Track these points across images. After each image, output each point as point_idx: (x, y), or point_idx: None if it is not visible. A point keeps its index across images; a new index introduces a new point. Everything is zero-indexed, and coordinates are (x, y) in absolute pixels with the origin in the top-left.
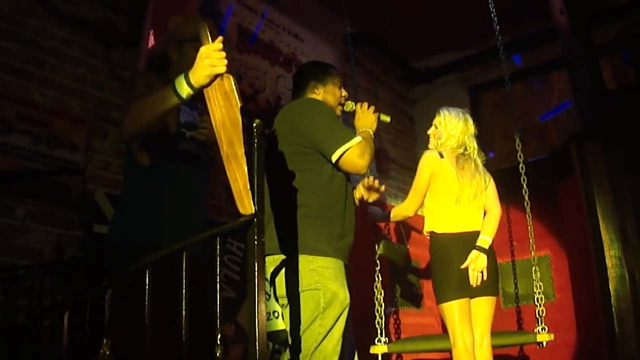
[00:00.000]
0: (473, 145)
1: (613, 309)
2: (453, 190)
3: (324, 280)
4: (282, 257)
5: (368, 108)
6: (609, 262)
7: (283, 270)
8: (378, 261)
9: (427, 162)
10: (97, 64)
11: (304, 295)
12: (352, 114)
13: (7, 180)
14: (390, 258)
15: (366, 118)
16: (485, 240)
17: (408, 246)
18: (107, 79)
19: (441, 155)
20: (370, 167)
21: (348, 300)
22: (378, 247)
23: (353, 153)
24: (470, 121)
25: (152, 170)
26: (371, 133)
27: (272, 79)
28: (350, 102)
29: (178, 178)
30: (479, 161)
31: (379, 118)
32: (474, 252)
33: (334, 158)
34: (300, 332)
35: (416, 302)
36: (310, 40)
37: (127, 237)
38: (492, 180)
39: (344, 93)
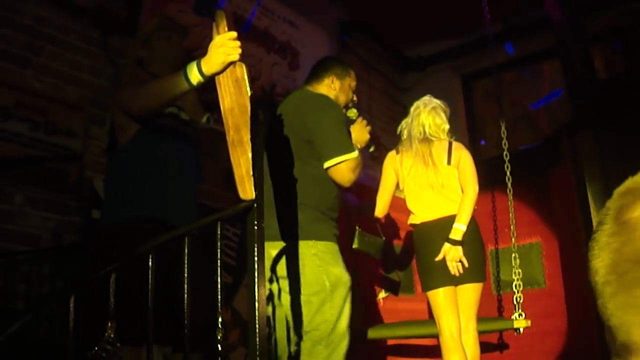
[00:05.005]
0: (428, 123)
1: None
2: (420, 179)
3: (325, 264)
4: (283, 244)
5: (365, 126)
6: None
7: (285, 255)
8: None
9: (386, 162)
10: (94, 51)
11: (307, 280)
12: (350, 121)
13: (5, 166)
14: (365, 251)
15: (361, 134)
16: (457, 229)
17: (383, 238)
18: (104, 66)
19: (397, 151)
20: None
21: (350, 281)
22: (353, 240)
23: (348, 165)
24: (423, 104)
25: (132, 148)
26: (359, 148)
27: (267, 66)
28: (354, 109)
29: (160, 154)
30: (437, 146)
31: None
32: (446, 245)
33: (328, 164)
34: (312, 316)
35: (409, 288)
36: (305, 27)
37: (114, 218)
38: (464, 154)
39: (355, 98)
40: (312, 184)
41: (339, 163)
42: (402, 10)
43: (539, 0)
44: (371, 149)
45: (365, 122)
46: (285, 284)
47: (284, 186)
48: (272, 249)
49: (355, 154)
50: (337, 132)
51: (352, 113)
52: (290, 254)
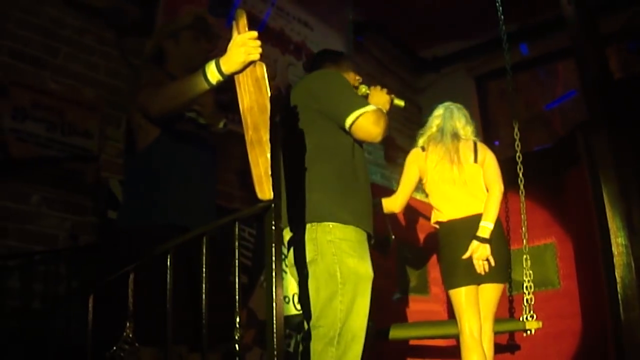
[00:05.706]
0: (462, 123)
1: (619, 296)
2: (444, 173)
3: (340, 253)
4: (297, 229)
5: (381, 89)
6: (615, 250)
7: (297, 242)
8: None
9: (410, 159)
10: (110, 52)
11: (319, 269)
12: (365, 97)
13: (22, 166)
14: (373, 248)
15: (379, 97)
16: (485, 227)
17: (393, 237)
18: (120, 66)
19: (423, 149)
20: (384, 136)
21: (369, 274)
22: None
23: (368, 119)
24: (457, 107)
25: (152, 152)
26: (384, 111)
27: (283, 67)
28: (363, 85)
29: (180, 159)
30: (464, 145)
31: (392, 102)
32: (474, 243)
33: (347, 122)
34: (320, 309)
35: (423, 289)
36: (320, 28)
37: (134, 221)
38: (488, 154)
39: (358, 77)
40: (327, 158)
41: (358, 117)
42: (417, 11)
43: (553, 0)
44: (401, 104)
45: (379, 87)
46: (294, 273)
47: (300, 167)
48: (287, 234)
49: (372, 107)
50: (346, 92)
51: (362, 90)
52: (302, 240)
